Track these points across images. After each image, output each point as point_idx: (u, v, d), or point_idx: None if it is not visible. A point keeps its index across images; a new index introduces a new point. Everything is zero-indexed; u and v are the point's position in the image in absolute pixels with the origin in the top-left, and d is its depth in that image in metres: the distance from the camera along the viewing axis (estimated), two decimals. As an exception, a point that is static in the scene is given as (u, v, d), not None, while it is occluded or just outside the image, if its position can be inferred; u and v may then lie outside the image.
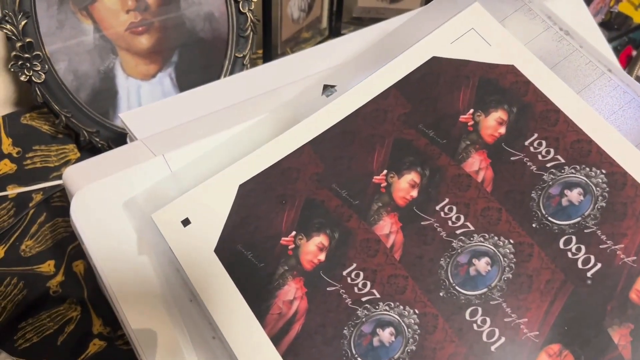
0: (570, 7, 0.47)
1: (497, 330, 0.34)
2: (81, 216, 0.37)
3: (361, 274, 0.36)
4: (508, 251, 0.36)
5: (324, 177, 0.39)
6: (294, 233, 0.37)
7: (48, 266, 0.54)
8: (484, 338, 0.34)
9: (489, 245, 0.36)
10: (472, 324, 0.34)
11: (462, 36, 0.41)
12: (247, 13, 0.68)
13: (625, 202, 0.36)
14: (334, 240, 0.37)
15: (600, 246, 0.35)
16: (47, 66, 0.60)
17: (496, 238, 0.36)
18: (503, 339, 0.34)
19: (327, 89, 0.41)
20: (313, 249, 0.37)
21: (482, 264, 0.36)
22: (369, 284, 0.36)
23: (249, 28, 0.69)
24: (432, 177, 0.38)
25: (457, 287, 0.35)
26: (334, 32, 0.88)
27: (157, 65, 0.67)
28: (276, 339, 0.34)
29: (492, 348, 0.34)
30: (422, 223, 0.37)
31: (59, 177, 0.62)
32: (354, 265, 0.36)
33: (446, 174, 0.38)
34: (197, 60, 0.69)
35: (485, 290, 0.35)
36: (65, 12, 0.60)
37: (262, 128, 0.41)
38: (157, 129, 0.45)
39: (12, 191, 0.60)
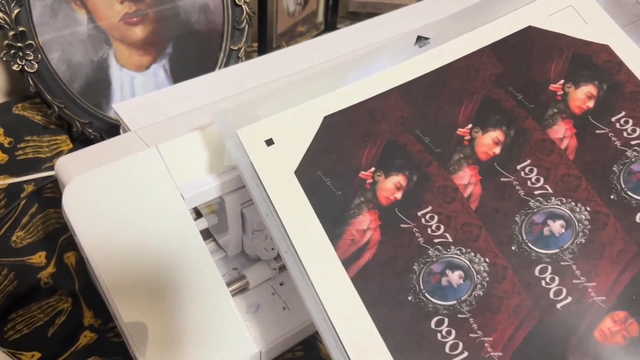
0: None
1: (564, 290, 0.34)
2: (73, 207, 0.37)
3: (436, 217, 0.36)
4: (584, 217, 0.36)
5: (409, 122, 0.39)
6: (373, 169, 0.38)
7: (39, 257, 0.52)
8: (551, 295, 0.34)
9: (565, 210, 0.36)
10: (540, 280, 0.35)
11: (560, 11, 0.42)
12: (243, 5, 0.67)
13: None
14: (411, 182, 0.37)
15: None
16: (40, 56, 0.58)
17: (573, 204, 0.36)
18: (569, 299, 0.34)
19: (421, 40, 0.42)
20: (390, 186, 0.37)
21: (556, 226, 0.36)
22: (442, 227, 0.36)
23: (245, 20, 0.68)
24: (516, 137, 0.39)
25: (529, 244, 0.36)
26: (330, 26, 0.87)
27: (151, 56, 0.66)
28: (347, 263, 0.35)
29: (558, 306, 0.34)
30: (501, 179, 0.37)
31: (51, 168, 0.60)
32: (430, 208, 0.37)
33: (531, 136, 0.38)
34: (191, 52, 0.68)
35: (557, 250, 0.35)
36: (59, 1, 0.59)
37: (352, 67, 0.41)
38: (150, 121, 0.44)
39: (4, 182, 0.58)
